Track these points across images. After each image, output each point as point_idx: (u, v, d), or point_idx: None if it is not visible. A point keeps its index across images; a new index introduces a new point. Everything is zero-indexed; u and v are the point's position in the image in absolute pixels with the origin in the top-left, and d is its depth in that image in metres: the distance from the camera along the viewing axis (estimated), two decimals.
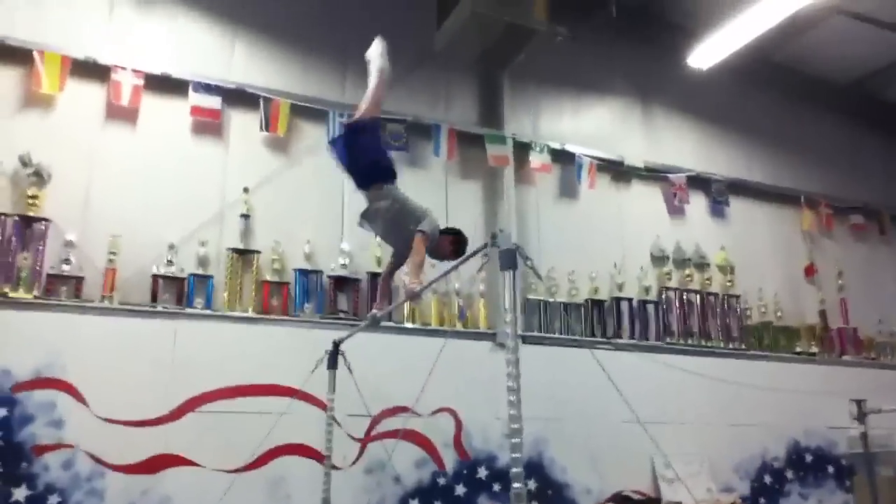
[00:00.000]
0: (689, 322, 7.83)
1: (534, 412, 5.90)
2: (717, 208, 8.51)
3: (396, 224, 4.18)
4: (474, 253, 3.34)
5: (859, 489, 7.50)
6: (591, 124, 8.13)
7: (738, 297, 8.18)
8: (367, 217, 4.27)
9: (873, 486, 6.16)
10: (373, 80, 4.35)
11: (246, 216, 6.18)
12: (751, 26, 6.99)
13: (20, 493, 4.90)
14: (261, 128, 6.37)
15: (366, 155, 4.24)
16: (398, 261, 4.43)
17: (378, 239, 6.42)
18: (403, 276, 5.34)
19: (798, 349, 8.31)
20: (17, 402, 5.02)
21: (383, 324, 6.15)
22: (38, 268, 5.39)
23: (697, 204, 8.40)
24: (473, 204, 7.22)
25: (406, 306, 6.48)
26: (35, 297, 5.30)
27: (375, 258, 6.52)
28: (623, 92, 8.37)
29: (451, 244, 4.20)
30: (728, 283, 8.23)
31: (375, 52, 4.36)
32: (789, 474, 7.61)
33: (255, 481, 5.48)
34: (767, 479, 7.48)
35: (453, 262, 3.98)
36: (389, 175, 4.25)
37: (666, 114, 8.56)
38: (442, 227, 4.25)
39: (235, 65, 6.52)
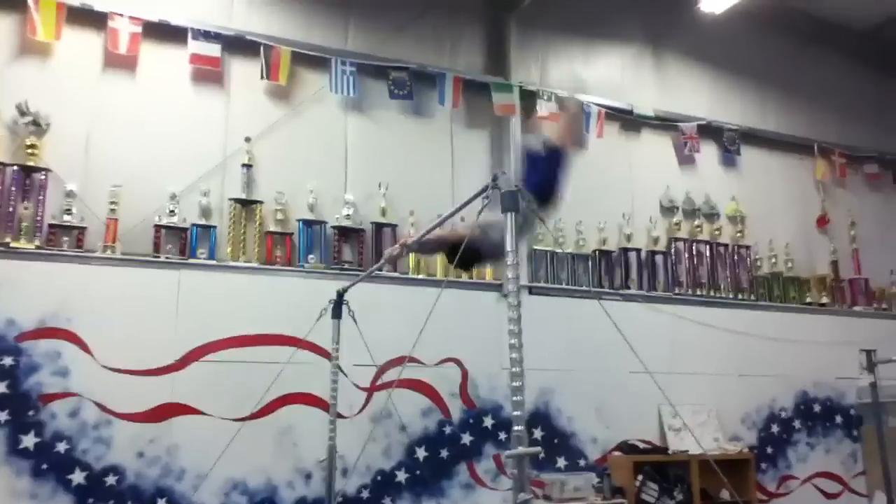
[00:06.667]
0: (699, 273, 7.73)
1: (540, 363, 5.93)
2: (729, 157, 8.32)
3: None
4: (475, 196, 3.25)
5: (867, 439, 7.50)
6: (601, 72, 7.90)
7: (748, 247, 8.07)
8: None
9: (882, 436, 6.14)
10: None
11: (248, 166, 6.09)
12: None
13: (28, 440, 4.94)
14: (262, 76, 6.23)
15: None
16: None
17: (384, 189, 6.43)
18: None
19: (808, 300, 8.23)
20: (22, 351, 5.03)
21: (388, 274, 6.16)
22: (39, 218, 5.35)
23: (709, 153, 8.22)
24: (480, 153, 7.10)
25: (412, 258, 6.43)
26: (37, 248, 5.27)
27: (380, 208, 6.44)
28: (634, 38, 8.13)
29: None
30: (738, 234, 8.11)
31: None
32: (797, 424, 7.60)
33: (262, 430, 5.50)
34: (775, 428, 7.47)
35: (455, 208, 3.84)
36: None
37: (678, 61, 8.31)
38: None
39: (235, 12, 6.34)
